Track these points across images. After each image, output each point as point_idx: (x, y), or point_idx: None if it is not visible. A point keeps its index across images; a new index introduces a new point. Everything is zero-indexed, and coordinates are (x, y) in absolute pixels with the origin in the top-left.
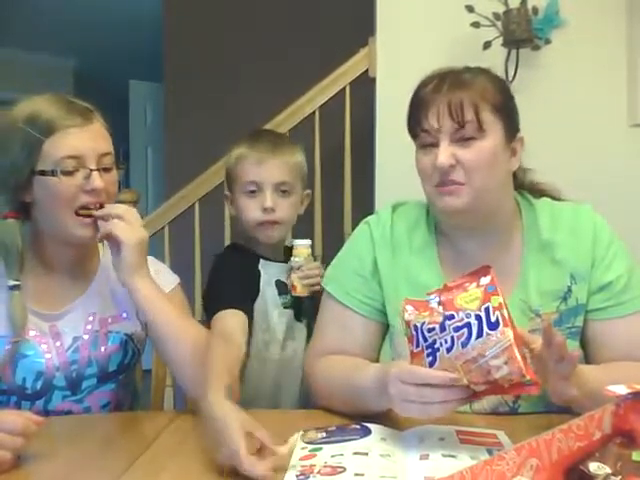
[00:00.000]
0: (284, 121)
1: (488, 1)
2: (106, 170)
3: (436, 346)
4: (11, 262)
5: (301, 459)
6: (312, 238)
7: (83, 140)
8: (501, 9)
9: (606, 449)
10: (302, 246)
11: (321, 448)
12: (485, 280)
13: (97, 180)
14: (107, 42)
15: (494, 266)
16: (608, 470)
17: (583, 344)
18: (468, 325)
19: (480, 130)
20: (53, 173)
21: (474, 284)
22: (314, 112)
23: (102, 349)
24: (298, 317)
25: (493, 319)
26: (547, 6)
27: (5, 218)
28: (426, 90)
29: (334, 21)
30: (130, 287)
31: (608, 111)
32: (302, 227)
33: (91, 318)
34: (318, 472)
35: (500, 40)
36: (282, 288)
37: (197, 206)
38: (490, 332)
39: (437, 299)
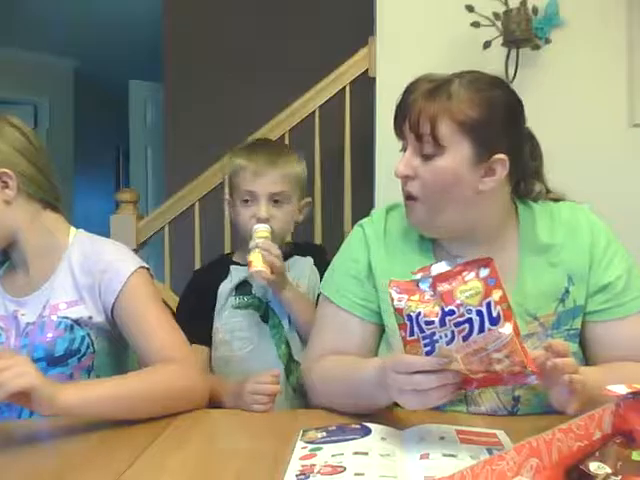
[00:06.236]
0: (284, 121)
1: (488, 1)
2: None
3: (435, 338)
4: None
5: (301, 459)
6: (312, 240)
7: None
8: (501, 9)
9: (606, 449)
10: (262, 229)
11: (321, 448)
12: (485, 272)
13: None
14: (107, 42)
15: None
16: (608, 470)
17: (583, 347)
18: (469, 321)
19: (438, 146)
20: None
21: (472, 274)
22: (314, 112)
23: (48, 335)
24: (264, 318)
25: (494, 314)
26: (547, 6)
27: None
28: (403, 96)
29: (334, 21)
30: None
31: (608, 111)
32: (302, 229)
33: (45, 305)
34: (318, 472)
35: (500, 40)
36: (242, 289)
37: (197, 206)
38: (492, 327)
39: (428, 282)
